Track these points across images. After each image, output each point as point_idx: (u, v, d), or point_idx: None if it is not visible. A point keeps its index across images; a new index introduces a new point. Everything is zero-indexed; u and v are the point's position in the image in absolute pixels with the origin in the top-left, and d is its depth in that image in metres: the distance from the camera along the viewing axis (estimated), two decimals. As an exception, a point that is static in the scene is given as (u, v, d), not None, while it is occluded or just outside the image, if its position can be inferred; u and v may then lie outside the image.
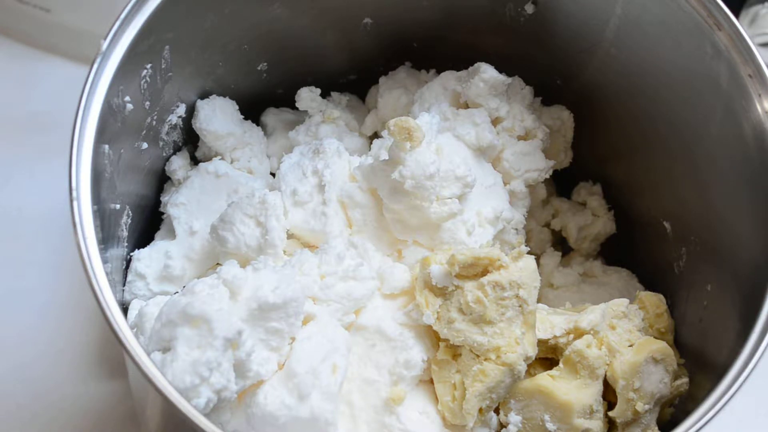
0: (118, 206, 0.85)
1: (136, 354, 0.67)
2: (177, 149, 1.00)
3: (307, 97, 1.05)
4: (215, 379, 0.72)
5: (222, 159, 1.00)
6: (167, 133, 0.96)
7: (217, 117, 0.98)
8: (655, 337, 0.90)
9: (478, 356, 0.81)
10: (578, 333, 0.86)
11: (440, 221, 0.89)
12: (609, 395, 0.86)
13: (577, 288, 1.04)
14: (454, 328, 0.82)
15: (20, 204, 1.18)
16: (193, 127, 0.98)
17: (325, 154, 0.93)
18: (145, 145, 0.91)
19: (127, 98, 0.83)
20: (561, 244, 1.13)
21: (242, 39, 0.97)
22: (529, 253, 0.84)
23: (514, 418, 0.83)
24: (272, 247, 0.87)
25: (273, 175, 1.03)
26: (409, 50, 1.08)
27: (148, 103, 0.88)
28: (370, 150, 1.01)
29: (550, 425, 0.83)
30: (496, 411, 0.85)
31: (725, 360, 0.76)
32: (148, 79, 0.86)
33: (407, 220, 0.90)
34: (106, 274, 0.70)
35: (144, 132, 0.90)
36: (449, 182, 0.89)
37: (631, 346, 0.87)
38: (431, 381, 0.85)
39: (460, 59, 1.03)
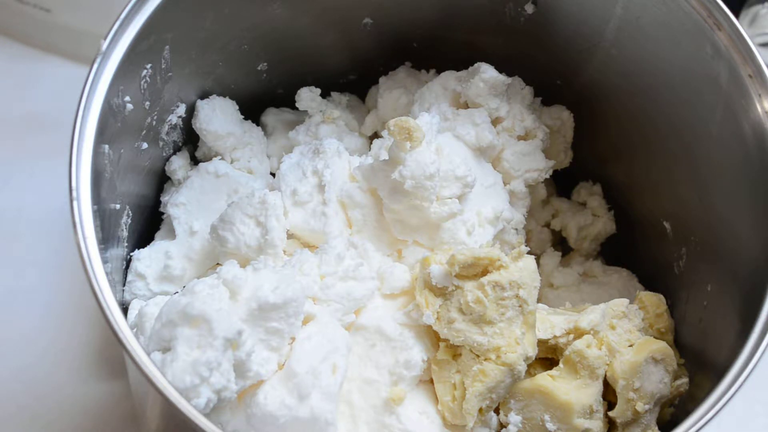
0: (118, 206, 0.85)
1: (136, 354, 0.67)
2: (177, 149, 1.00)
3: (307, 97, 1.05)
4: (215, 379, 0.72)
5: (222, 159, 1.00)
6: (167, 133, 0.96)
7: (217, 117, 0.99)
8: (655, 337, 0.90)
9: (478, 356, 0.81)
10: (578, 333, 0.86)
11: (440, 221, 0.89)
12: (609, 395, 0.86)
13: (577, 288, 1.04)
14: (454, 328, 0.82)
15: (20, 204, 1.18)
16: (193, 127, 0.98)
17: (325, 154, 0.93)
18: (145, 145, 0.91)
19: (127, 98, 0.83)
20: (561, 244, 1.13)
21: (242, 39, 0.97)
22: (529, 253, 0.84)
23: (514, 418, 0.83)
24: (272, 247, 0.87)
25: (273, 175, 1.03)
26: (409, 50, 1.08)
27: (148, 103, 0.88)
28: (370, 150, 1.01)
29: (550, 425, 0.83)
30: (496, 411, 0.85)
31: (725, 360, 0.76)
32: (148, 79, 0.86)
33: (407, 220, 0.90)
34: (106, 274, 0.70)
35: (144, 132, 0.90)
36: (449, 182, 0.89)
37: (631, 346, 0.87)
38: (431, 381, 0.85)
39: (460, 59, 1.03)
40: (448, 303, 0.82)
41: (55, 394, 1.05)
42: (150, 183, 0.98)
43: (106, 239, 0.79)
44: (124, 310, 0.89)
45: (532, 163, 1.00)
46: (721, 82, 0.86)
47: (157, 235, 0.98)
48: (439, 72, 1.05)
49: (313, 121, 1.05)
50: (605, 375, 0.85)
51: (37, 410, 1.04)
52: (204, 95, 0.99)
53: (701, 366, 0.88)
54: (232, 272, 0.79)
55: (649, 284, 1.02)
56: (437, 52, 1.07)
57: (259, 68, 1.03)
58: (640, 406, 0.84)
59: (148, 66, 0.86)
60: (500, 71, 0.98)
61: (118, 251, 0.88)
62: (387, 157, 0.88)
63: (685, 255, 0.96)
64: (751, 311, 0.77)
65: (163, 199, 0.99)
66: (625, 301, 0.91)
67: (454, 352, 0.83)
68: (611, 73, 0.99)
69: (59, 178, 0.75)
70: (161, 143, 0.96)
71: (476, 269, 0.82)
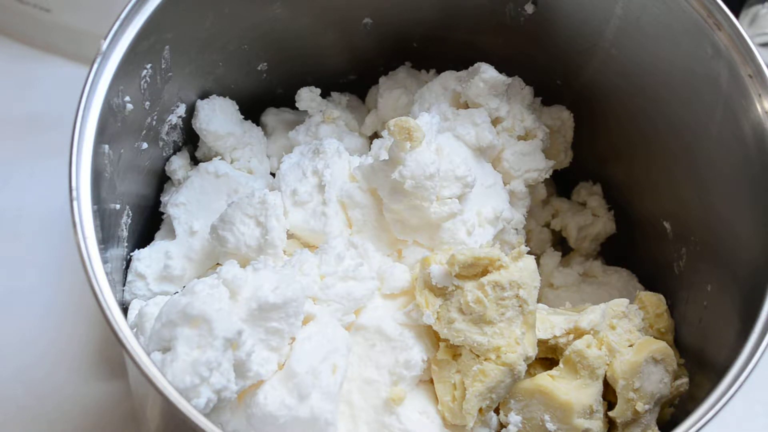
0: (118, 206, 0.85)
1: (136, 354, 0.67)
2: (177, 149, 1.00)
3: (307, 97, 1.05)
4: (215, 379, 0.72)
5: (222, 159, 1.00)
6: (167, 133, 0.96)
7: (217, 117, 0.99)
8: (655, 337, 0.90)
9: (478, 356, 0.81)
10: (578, 333, 0.86)
11: (440, 221, 0.90)
12: (609, 395, 0.86)
13: (577, 288, 1.04)
14: (454, 328, 0.82)
15: (20, 204, 1.18)
16: (193, 127, 0.98)
17: (325, 154, 0.93)
18: (145, 145, 0.91)
19: (127, 98, 0.83)
20: (561, 244, 1.13)
21: (242, 39, 0.97)
22: (529, 253, 0.84)
23: (514, 418, 0.83)
24: (272, 247, 0.87)
25: (273, 175, 1.03)
26: (409, 50, 1.08)
27: (148, 103, 0.88)
28: (370, 150, 1.01)
29: (550, 425, 0.83)
30: (496, 411, 0.85)
31: (725, 360, 0.76)
32: (148, 79, 0.86)
33: (407, 220, 0.90)
34: (106, 274, 0.70)
35: (144, 132, 0.90)
36: (449, 182, 0.89)
37: (631, 346, 0.87)
38: (431, 381, 0.85)
39: (460, 59, 1.03)
40: (448, 303, 0.82)
41: (55, 395, 1.05)
42: (150, 183, 0.98)
43: (106, 239, 0.79)
44: (124, 310, 0.89)
45: (532, 163, 1.00)
46: (721, 82, 0.86)
47: (157, 235, 0.98)
48: (439, 72, 1.05)
49: (313, 121, 1.05)
50: (605, 375, 0.85)
51: (38, 410, 1.04)
52: (204, 95, 0.99)
53: (701, 366, 0.88)
54: (232, 272, 0.79)
55: (649, 284, 1.02)
56: (437, 52, 1.07)
57: (259, 68, 1.03)
58: (640, 406, 0.84)
59: (148, 66, 0.86)
60: (500, 71, 0.98)
61: (118, 251, 0.88)
62: (387, 157, 0.88)
63: (685, 255, 0.96)
64: (751, 311, 0.77)
65: (163, 199, 0.99)
66: (625, 301, 0.91)
67: (454, 352, 0.83)
68: (611, 73, 0.99)
69: (59, 178, 0.75)
70: (161, 143, 0.96)
71: (476, 269, 0.82)
